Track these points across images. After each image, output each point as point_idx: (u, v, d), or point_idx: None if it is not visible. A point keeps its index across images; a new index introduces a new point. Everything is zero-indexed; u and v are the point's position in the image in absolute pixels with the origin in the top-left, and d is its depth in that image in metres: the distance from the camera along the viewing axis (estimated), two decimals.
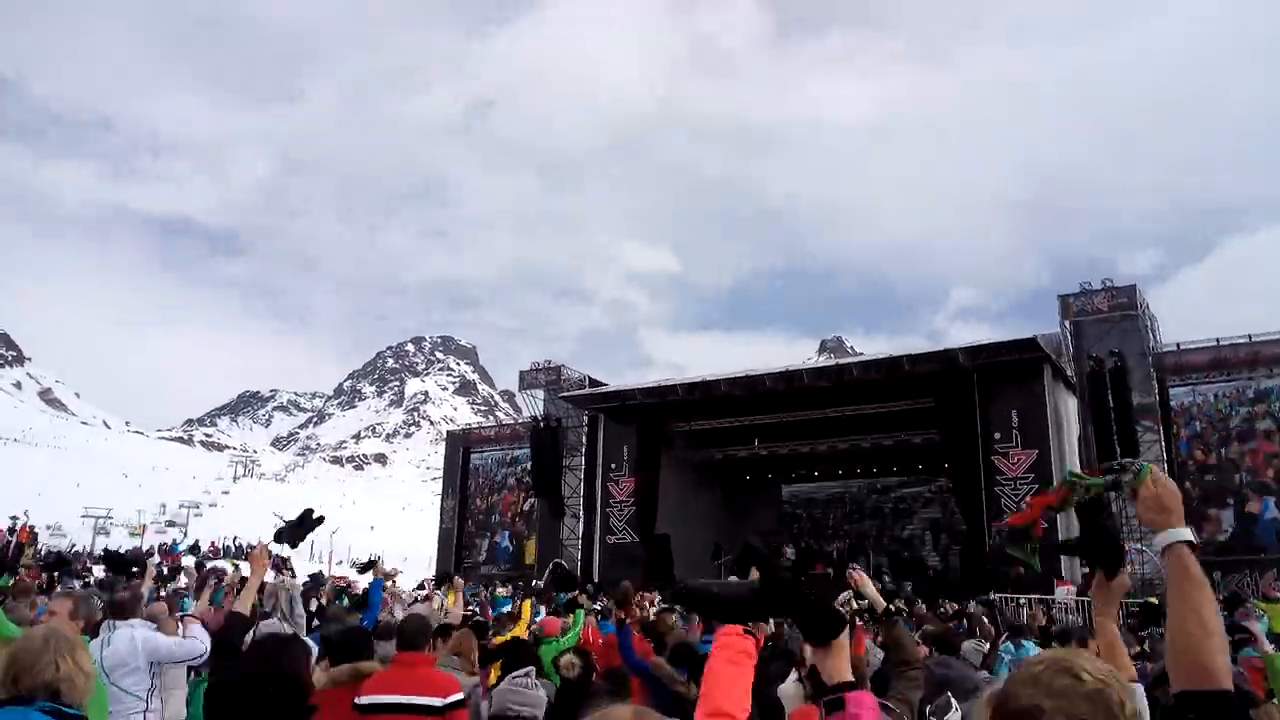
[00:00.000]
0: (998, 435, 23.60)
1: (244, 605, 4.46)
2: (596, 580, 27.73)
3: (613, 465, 30.50)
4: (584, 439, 32.37)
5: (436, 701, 4.38)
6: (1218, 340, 23.47)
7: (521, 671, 4.57)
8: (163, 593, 12.20)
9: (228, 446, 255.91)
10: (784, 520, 34.20)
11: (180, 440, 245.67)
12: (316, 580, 21.03)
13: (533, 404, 33.15)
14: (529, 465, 33.10)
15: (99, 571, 22.62)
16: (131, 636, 5.14)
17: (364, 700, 4.43)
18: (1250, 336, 23.04)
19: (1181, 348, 23.97)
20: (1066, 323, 24.13)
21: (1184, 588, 1.76)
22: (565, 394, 31.79)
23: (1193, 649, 1.68)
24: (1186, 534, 1.88)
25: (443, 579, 15.87)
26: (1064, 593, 19.58)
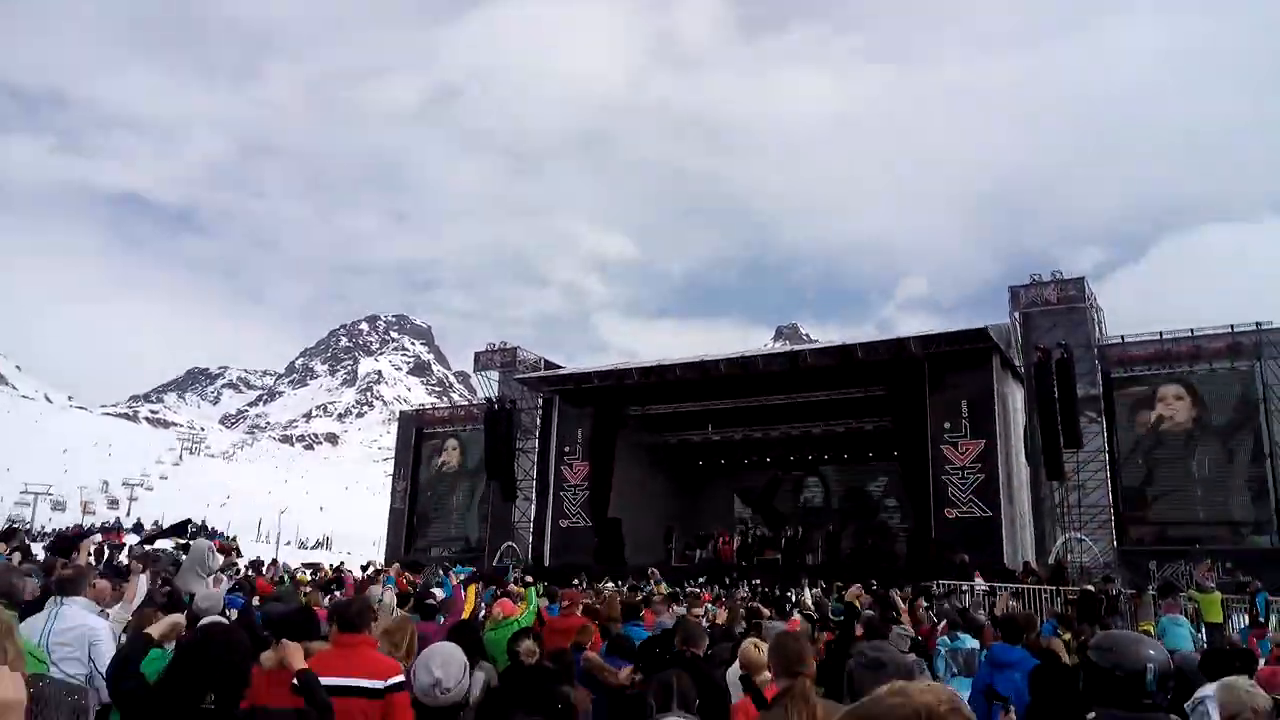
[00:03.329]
0: (947, 425, 23.91)
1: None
2: (548, 564, 27.76)
3: (566, 448, 30.40)
4: (538, 421, 32.24)
5: (377, 684, 4.32)
6: (1160, 334, 23.96)
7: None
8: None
9: (174, 424, 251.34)
10: (735, 506, 34.41)
11: (125, 416, 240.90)
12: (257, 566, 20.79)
13: (487, 385, 32.97)
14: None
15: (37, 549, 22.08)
16: (80, 624, 5.02)
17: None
18: (1192, 331, 23.56)
19: (1126, 340, 24.46)
20: (1016, 313, 24.54)
21: None
22: (520, 376, 31.63)
23: None
24: None
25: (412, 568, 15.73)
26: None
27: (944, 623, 10.02)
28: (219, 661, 3.15)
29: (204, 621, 4.56)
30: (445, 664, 3.33)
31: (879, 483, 32.06)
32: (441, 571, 18.99)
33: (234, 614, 7.48)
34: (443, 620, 8.42)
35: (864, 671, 4.94)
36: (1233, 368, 22.78)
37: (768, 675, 5.20)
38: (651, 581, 19.38)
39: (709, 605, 11.31)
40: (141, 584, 7.39)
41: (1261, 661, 8.15)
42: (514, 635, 6.10)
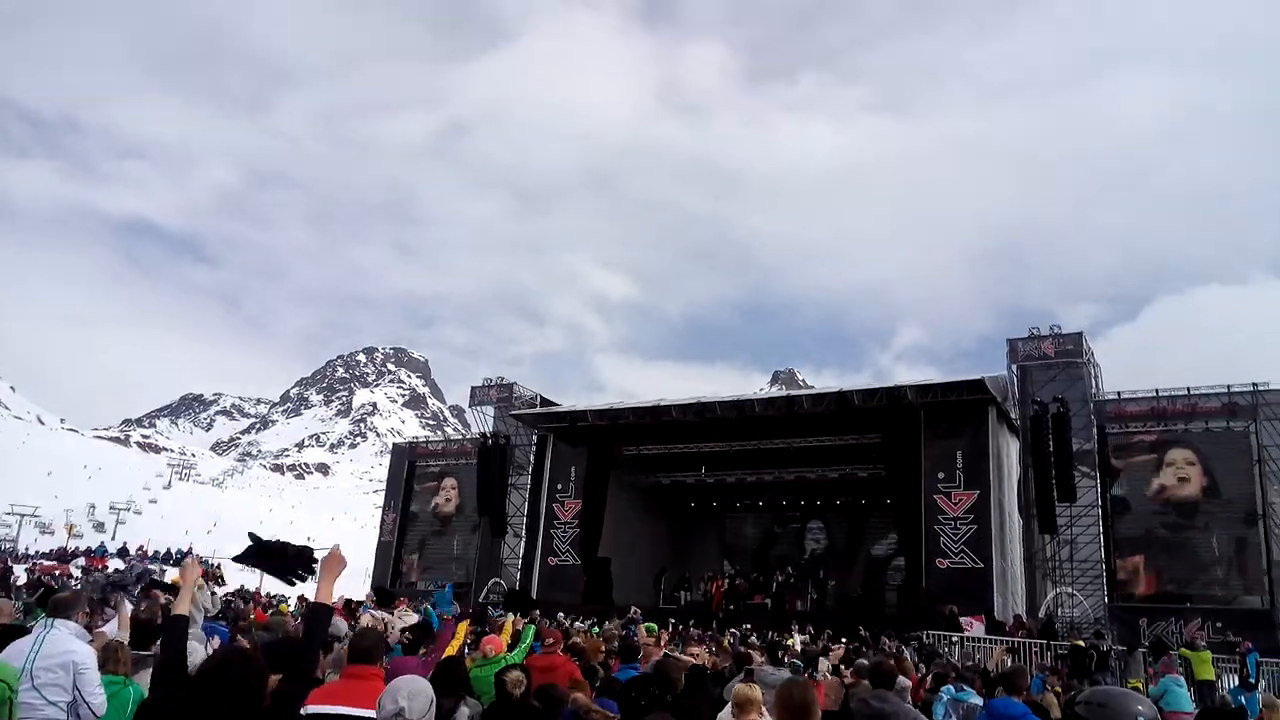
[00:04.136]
0: (941, 475, 23.86)
1: (182, 608, 4.34)
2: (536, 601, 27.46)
3: (559, 486, 30.29)
4: (531, 458, 32.11)
5: None
6: (1157, 391, 23.98)
7: None
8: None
9: (165, 449, 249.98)
10: (727, 549, 34.19)
11: (116, 440, 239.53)
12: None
13: (482, 420, 32.83)
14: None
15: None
16: (67, 650, 4.98)
17: (310, 710, 4.29)
18: (1189, 389, 23.60)
19: (1122, 396, 24.47)
20: (1013, 366, 24.60)
21: None
22: (516, 412, 31.55)
23: None
24: None
25: (383, 598, 15.54)
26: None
27: (930, 675, 9.93)
28: (237, 684, 3.26)
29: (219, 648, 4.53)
30: (411, 695, 3.31)
31: (888, 539, 31.43)
32: (430, 605, 18.78)
33: (217, 642, 7.38)
34: (423, 654, 8.31)
35: None
36: (1229, 428, 22.77)
37: (758, 718, 5.13)
38: (634, 623, 19.21)
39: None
40: (128, 610, 7.33)
41: None
42: (503, 668, 6.03)
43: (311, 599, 4.50)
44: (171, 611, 4.40)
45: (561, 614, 19.77)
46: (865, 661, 9.14)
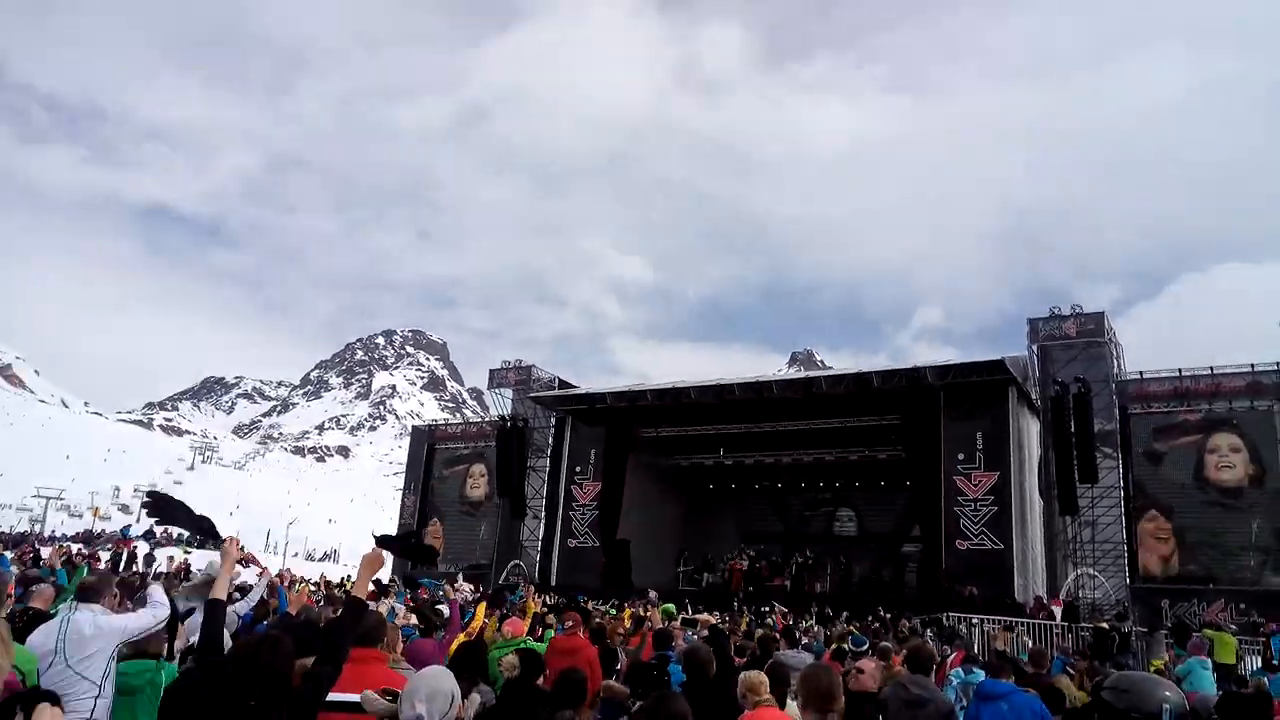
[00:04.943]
0: (961, 456, 23.75)
1: (220, 592, 4.37)
2: (554, 584, 27.61)
3: (578, 468, 30.40)
4: (550, 440, 32.22)
5: None
6: (1180, 371, 23.75)
7: None
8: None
9: (187, 432, 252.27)
10: (746, 532, 34.19)
11: (139, 423, 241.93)
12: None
13: (501, 403, 32.96)
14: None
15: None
16: (93, 621, 5.06)
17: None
18: (1212, 369, 23.37)
19: (1145, 376, 24.25)
20: (1034, 346, 24.39)
21: None
22: (535, 394, 31.63)
23: None
24: None
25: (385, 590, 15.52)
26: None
27: (955, 654, 9.94)
28: (265, 668, 3.51)
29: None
30: (430, 697, 3.28)
31: (907, 521, 31.22)
32: (446, 585, 18.81)
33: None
34: (443, 636, 8.34)
35: (903, 707, 4.83)
36: (1253, 408, 22.51)
37: (765, 697, 5.13)
38: (649, 604, 19.26)
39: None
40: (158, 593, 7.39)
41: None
42: (504, 653, 6.06)
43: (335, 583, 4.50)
44: (210, 596, 4.44)
45: (581, 596, 19.83)
46: (889, 645, 9.16)
